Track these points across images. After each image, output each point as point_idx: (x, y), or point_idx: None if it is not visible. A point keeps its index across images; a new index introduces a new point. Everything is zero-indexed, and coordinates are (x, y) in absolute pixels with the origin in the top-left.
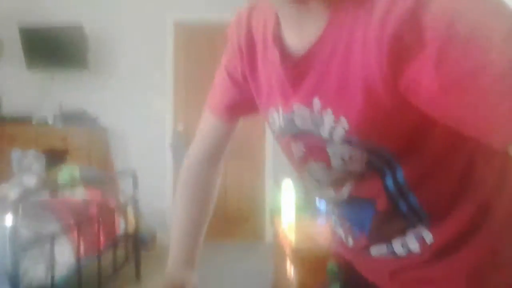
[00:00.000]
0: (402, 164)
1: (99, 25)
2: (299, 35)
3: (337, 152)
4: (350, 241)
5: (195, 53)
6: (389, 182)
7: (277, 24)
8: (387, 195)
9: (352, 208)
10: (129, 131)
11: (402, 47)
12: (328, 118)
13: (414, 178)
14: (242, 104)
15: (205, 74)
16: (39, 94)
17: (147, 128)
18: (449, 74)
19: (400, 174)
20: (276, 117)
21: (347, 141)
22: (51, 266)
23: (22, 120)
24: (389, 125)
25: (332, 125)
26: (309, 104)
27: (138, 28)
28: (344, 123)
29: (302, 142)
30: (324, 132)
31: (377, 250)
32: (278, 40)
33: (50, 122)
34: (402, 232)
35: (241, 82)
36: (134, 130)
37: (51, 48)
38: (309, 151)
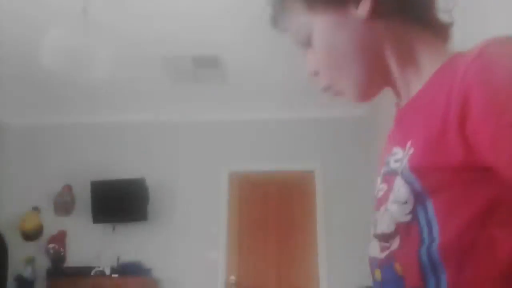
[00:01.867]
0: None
1: (159, 178)
2: (407, 95)
3: (396, 185)
4: None
5: (247, 203)
6: (423, 250)
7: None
8: (419, 266)
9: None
10: (182, 282)
11: (466, 104)
12: (407, 151)
13: (449, 249)
14: None
15: (257, 227)
16: (100, 246)
17: (199, 279)
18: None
19: (435, 244)
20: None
21: (405, 168)
22: None
23: (81, 273)
24: (446, 152)
25: (406, 154)
26: (403, 146)
27: (195, 180)
28: (411, 150)
29: (386, 182)
30: (400, 165)
31: None
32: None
33: (107, 273)
34: None
35: None
36: (187, 281)
37: (116, 202)
38: (387, 190)
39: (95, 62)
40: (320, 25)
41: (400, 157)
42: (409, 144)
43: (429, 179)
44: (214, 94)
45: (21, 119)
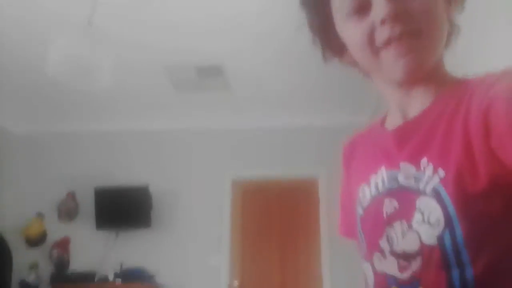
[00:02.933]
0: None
1: (163, 185)
2: (405, 113)
3: (423, 205)
4: None
5: (250, 210)
6: (456, 276)
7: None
8: None
9: None
10: (185, 287)
11: (488, 118)
12: (428, 171)
13: (485, 277)
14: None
15: (260, 233)
16: (103, 252)
17: (202, 285)
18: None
19: (470, 272)
20: (366, 189)
21: (436, 192)
22: None
23: (85, 279)
24: (477, 177)
25: (430, 176)
26: (416, 163)
27: (198, 187)
28: (441, 173)
29: (396, 198)
30: (422, 185)
31: None
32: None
33: (110, 279)
34: None
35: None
36: (190, 287)
37: (119, 208)
38: (400, 206)
39: (99, 71)
40: None
41: (412, 173)
42: (424, 162)
43: (464, 205)
44: (217, 103)
45: (25, 126)
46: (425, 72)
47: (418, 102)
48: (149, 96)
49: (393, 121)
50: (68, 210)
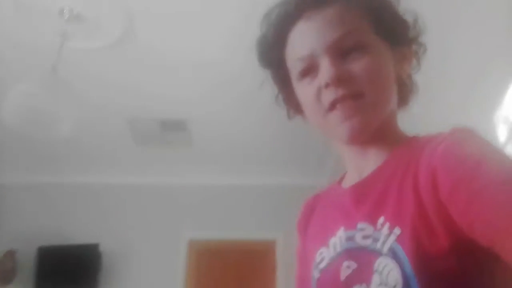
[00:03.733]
0: None
1: (115, 244)
2: (360, 172)
3: (381, 266)
4: None
5: (206, 272)
6: None
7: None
8: None
9: None
10: None
11: (435, 176)
12: (385, 230)
13: None
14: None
15: None
16: None
17: None
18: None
19: None
20: (325, 252)
21: (393, 251)
22: None
23: None
24: (432, 235)
25: (387, 234)
26: (374, 222)
27: (152, 246)
28: (397, 231)
29: (354, 259)
30: (379, 244)
31: None
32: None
33: None
34: None
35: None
36: None
37: (63, 269)
38: (358, 268)
39: (59, 121)
40: (381, 46)
41: (370, 233)
42: (381, 221)
43: (422, 264)
44: (177, 158)
45: None
46: (371, 132)
47: (372, 161)
48: (106, 149)
49: (351, 180)
50: (4, 272)
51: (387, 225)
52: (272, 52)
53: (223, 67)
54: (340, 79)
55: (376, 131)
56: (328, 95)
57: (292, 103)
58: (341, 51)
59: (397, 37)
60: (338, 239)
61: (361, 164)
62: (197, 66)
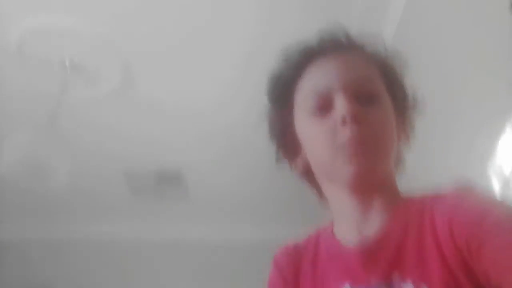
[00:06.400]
0: None
1: None
2: (360, 227)
3: None
4: None
5: None
6: None
7: (332, 229)
8: None
9: None
10: None
11: (452, 231)
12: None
13: None
14: None
15: None
16: None
17: None
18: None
19: None
20: None
21: None
22: None
23: None
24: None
25: None
26: (388, 279)
27: None
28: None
29: None
30: None
31: None
32: (336, 235)
33: None
34: None
35: None
36: None
37: None
38: None
39: (52, 172)
40: (389, 104)
41: None
42: (397, 279)
43: None
44: (172, 212)
45: None
46: (375, 181)
47: (375, 216)
48: (101, 201)
49: (346, 233)
50: None
51: (409, 284)
52: (285, 83)
53: (216, 117)
54: (357, 117)
55: (379, 182)
56: (344, 131)
57: (287, 146)
58: (357, 94)
59: (400, 103)
60: None
61: (361, 218)
62: (193, 116)
